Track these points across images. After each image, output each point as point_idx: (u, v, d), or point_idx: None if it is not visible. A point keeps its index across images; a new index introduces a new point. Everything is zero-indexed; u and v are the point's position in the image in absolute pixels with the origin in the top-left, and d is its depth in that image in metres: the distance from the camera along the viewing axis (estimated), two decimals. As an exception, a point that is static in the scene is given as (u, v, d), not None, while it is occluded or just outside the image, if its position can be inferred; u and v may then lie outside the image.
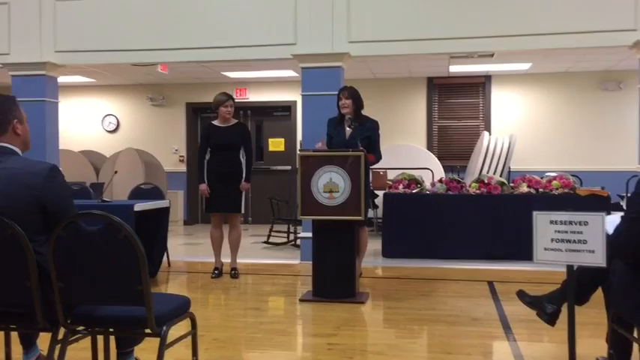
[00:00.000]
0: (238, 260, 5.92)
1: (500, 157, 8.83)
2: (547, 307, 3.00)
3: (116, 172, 7.39)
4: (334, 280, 4.75)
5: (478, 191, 6.82)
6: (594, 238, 2.42)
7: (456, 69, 9.38)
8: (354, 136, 5.09)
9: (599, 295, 2.94)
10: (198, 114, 10.95)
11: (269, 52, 6.72)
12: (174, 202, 9.78)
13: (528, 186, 6.78)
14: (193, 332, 2.70)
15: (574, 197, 6.50)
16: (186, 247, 8.14)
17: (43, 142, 6.92)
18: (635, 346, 2.55)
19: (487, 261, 6.39)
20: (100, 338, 2.73)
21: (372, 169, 5.68)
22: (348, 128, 5.22)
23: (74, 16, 7.05)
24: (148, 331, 2.40)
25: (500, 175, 8.37)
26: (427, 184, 7.18)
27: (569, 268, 2.54)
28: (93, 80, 10.42)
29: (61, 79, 7.74)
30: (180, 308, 2.62)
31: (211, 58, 7.12)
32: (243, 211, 5.89)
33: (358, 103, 5.25)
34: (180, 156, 10.87)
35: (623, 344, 2.81)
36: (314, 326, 4.26)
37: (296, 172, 4.97)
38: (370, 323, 4.33)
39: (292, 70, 9.11)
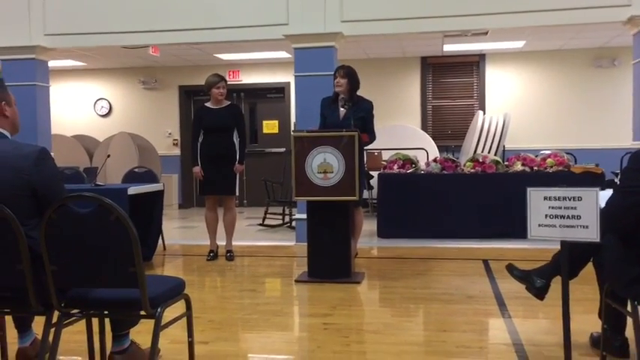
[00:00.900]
0: (234, 243, 5.92)
1: (494, 135, 8.83)
2: (536, 282, 3.02)
3: (109, 155, 7.34)
4: (329, 261, 4.76)
5: (473, 170, 6.82)
6: (588, 213, 2.42)
7: (449, 48, 9.33)
8: (348, 117, 5.04)
9: (592, 271, 2.94)
10: (191, 97, 10.88)
11: (261, 32, 6.65)
12: (169, 185, 9.75)
13: (523, 164, 6.79)
14: (188, 313, 2.70)
15: (568, 175, 6.51)
16: (182, 231, 8.14)
17: (34, 127, 6.88)
18: (629, 319, 2.56)
19: (482, 239, 6.42)
20: (95, 321, 2.73)
21: (366, 149, 5.65)
22: (341, 108, 5.19)
23: (63, -2, 6.96)
24: (142, 312, 2.40)
25: (495, 154, 8.37)
26: (422, 164, 7.17)
27: (564, 244, 2.54)
28: (84, 64, 10.33)
29: (52, 63, 7.66)
30: (174, 290, 2.61)
31: (203, 40, 7.04)
32: (237, 193, 5.86)
33: (353, 83, 5.20)
34: (174, 139, 10.82)
35: (617, 319, 2.83)
36: (310, 306, 4.27)
37: (290, 153, 4.94)
38: (366, 303, 4.34)
39: (285, 51, 9.05)
